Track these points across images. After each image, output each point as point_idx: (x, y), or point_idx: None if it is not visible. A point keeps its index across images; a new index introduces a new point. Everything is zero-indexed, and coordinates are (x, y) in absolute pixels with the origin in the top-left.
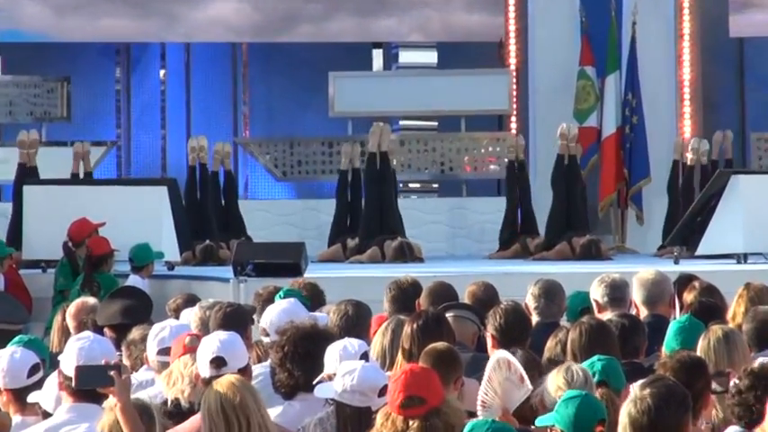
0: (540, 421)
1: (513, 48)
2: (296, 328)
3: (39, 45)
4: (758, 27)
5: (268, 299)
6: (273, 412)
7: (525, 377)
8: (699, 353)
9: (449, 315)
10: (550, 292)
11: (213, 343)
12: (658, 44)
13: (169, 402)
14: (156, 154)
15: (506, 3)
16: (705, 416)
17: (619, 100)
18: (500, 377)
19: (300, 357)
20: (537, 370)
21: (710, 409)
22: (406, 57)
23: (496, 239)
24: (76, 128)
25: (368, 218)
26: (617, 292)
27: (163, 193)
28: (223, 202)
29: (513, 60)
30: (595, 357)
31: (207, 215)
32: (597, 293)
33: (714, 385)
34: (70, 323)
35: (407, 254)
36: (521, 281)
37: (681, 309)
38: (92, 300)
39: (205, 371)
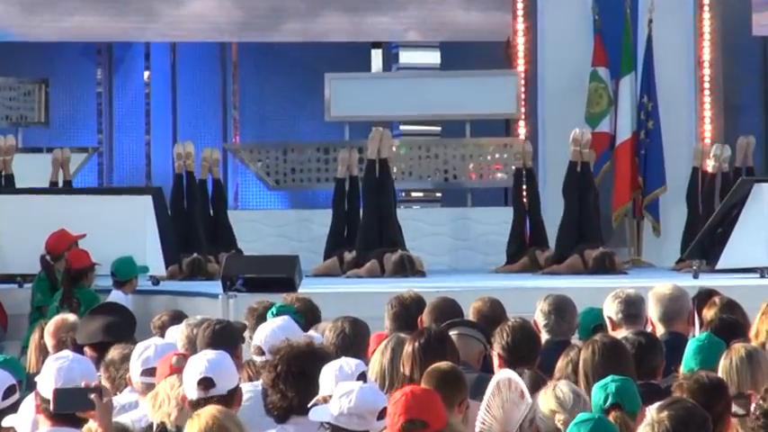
0: None
1: (521, 47)
2: (290, 347)
3: (14, 45)
4: None
5: (263, 314)
6: None
7: (526, 392)
8: (720, 373)
9: (453, 333)
10: (561, 308)
11: (201, 363)
12: (676, 43)
13: (155, 426)
14: (140, 161)
15: None
16: None
17: (634, 103)
18: (499, 401)
19: (294, 377)
20: None
21: None
22: (406, 57)
23: (503, 252)
24: (55, 133)
25: (366, 229)
26: (632, 309)
27: (147, 202)
28: (212, 212)
29: (521, 61)
30: (609, 378)
31: (194, 226)
32: (611, 310)
33: (735, 408)
34: (48, 341)
35: (408, 268)
36: (529, 296)
37: (700, 326)
38: (72, 317)
39: (192, 393)
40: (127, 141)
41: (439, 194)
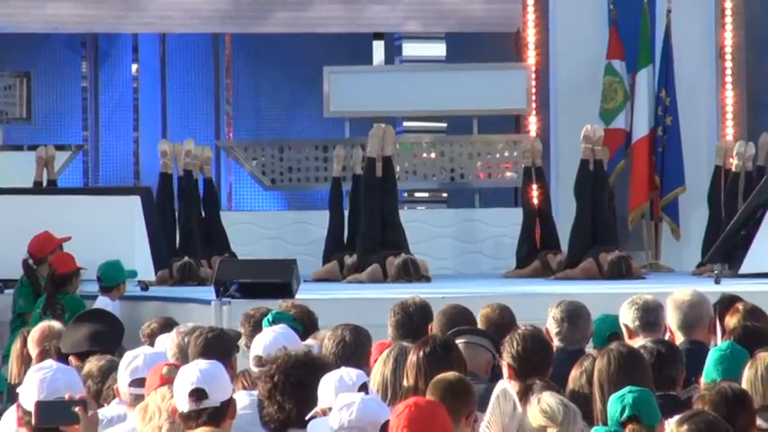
0: None
1: (531, 40)
2: (287, 356)
3: None
4: None
5: (260, 321)
6: None
7: (516, 402)
8: (743, 384)
9: (459, 341)
10: (574, 315)
11: (192, 373)
12: (697, 34)
13: None
14: (127, 159)
15: None
16: None
17: (651, 98)
18: (497, 413)
19: (292, 388)
20: None
21: None
22: (410, 49)
23: (513, 256)
24: (38, 129)
25: (368, 231)
26: (650, 316)
27: (136, 203)
28: (203, 213)
29: (531, 53)
30: (626, 389)
31: (185, 229)
32: (627, 317)
33: (760, 421)
34: (32, 350)
35: (412, 272)
36: (541, 303)
37: (722, 334)
38: (57, 324)
39: (183, 404)
40: (114, 138)
41: (445, 195)
